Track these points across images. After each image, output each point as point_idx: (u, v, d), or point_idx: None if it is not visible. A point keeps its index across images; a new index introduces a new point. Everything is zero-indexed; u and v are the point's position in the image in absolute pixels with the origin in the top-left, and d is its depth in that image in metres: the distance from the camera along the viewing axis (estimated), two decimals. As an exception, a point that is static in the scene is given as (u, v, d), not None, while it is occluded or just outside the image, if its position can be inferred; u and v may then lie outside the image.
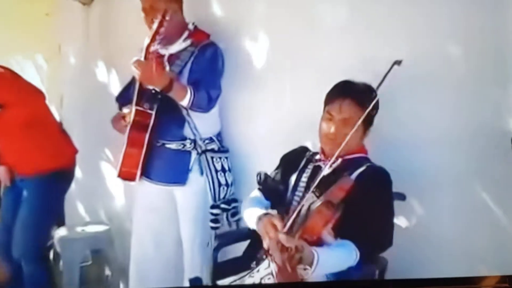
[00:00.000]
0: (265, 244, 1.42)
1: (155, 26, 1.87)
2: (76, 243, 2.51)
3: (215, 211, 1.98)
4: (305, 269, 1.32)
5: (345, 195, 1.41)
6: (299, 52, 2.01)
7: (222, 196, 2.01)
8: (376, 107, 1.57)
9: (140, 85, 1.96)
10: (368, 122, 1.58)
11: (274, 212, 1.51)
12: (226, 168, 2.06)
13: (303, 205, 1.42)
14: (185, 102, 1.91)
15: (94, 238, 2.57)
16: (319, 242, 1.38)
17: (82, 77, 2.89)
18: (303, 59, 1.98)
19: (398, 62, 1.53)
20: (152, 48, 1.90)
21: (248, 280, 1.45)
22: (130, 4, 2.43)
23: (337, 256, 1.40)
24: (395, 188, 1.62)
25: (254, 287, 1.45)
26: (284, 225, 1.42)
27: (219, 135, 2.12)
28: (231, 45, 2.14)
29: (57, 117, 2.76)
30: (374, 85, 1.59)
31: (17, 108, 2.18)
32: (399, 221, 1.74)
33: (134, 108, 1.96)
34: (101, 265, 2.65)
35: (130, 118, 1.97)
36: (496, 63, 1.55)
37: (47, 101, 2.42)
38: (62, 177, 2.36)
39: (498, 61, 1.55)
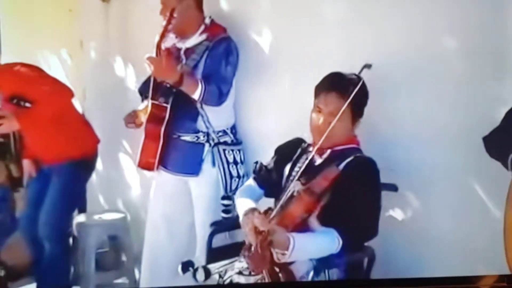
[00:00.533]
0: (247, 240, 1.49)
1: (163, 23, 1.96)
2: (93, 229, 2.65)
3: (226, 202, 2.06)
4: (282, 254, 1.38)
5: (329, 184, 1.47)
6: (312, 48, 2.05)
7: (233, 187, 2.09)
8: (363, 96, 1.63)
9: (155, 80, 2.05)
10: (356, 113, 1.63)
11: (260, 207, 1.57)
12: (239, 160, 2.14)
13: (289, 193, 1.49)
14: (196, 95, 1.99)
15: (111, 225, 2.70)
16: (302, 228, 1.44)
17: (102, 71, 3.00)
18: (316, 55, 2.02)
19: (368, 66, 1.61)
20: (163, 45, 1.99)
21: (237, 265, 1.54)
22: (147, 1, 2.54)
23: (316, 242, 1.46)
24: (390, 180, 1.68)
25: (250, 287, 1.52)
26: (268, 219, 1.47)
27: (233, 128, 2.19)
28: (247, 39, 2.21)
29: (80, 109, 2.90)
30: (374, 82, 1.66)
31: (46, 104, 2.32)
32: (395, 213, 1.79)
33: (150, 102, 2.06)
34: (118, 252, 2.78)
35: (147, 111, 2.07)
36: (494, 59, 1.58)
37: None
38: (85, 165, 2.51)
39: (496, 57, 1.57)
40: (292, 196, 1.49)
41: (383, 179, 1.75)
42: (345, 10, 1.95)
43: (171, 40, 2.10)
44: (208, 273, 1.54)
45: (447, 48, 1.66)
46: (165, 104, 2.06)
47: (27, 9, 3.64)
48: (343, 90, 1.60)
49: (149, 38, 2.20)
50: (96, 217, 2.74)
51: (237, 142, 2.18)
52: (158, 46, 2.00)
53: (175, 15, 1.97)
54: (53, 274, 2.48)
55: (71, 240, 2.66)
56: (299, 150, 1.74)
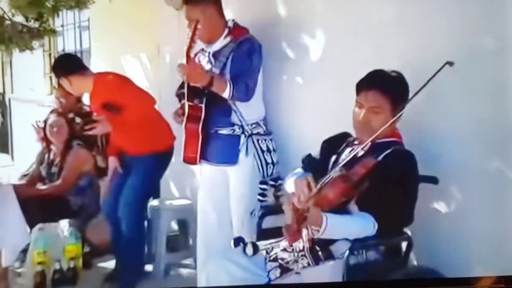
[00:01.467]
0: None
1: (189, 34, 2.14)
2: (165, 213, 2.95)
3: (263, 186, 2.25)
4: (316, 230, 1.52)
5: (365, 173, 1.59)
6: (344, 45, 2.19)
7: (269, 173, 2.28)
8: (403, 92, 1.72)
9: (188, 84, 2.24)
10: (396, 108, 1.72)
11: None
12: (271, 148, 2.33)
13: (328, 178, 1.63)
14: (226, 94, 2.18)
15: (179, 210, 2.99)
16: (339, 211, 1.58)
17: (175, 73, 3.31)
18: (348, 52, 2.15)
19: (450, 63, 1.68)
20: (192, 52, 2.16)
21: (282, 244, 1.71)
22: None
23: (350, 224, 1.58)
24: (432, 173, 1.76)
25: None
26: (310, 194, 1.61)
27: (264, 119, 2.37)
28: (279, 39, 2.40)
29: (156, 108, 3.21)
30: (418, 79, 1.75)
31: (133, 110, 2.62)
32: (437, 205, 1.86)
33: (186, 103, 2.27)
34: (186, 235, 3.06)
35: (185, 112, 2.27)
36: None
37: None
38: (164, 157, 2.79)
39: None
40: (330, 181, 1.63)
41: (425, 171, 1.85)
42: (395, 13, 2.05)
43: (199, 46, 2.29)
44: (256, 248, 1.73)
45: (487, 47, 1.72)
46: (200, 105, 2.25)
47: (112, 20, 4.07)
48: (384, 87, 1.72)
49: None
50: (167, 202, 3.04)
51: (268, 132, 2.36)
52: (187, 54, 2.17)
53: (199, 26, 2.15)
54: (129, 253, 2.76)
55: (146, 223, 2.98)
56: (344, 143, 1.87)
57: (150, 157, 2.74)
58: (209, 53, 2.35)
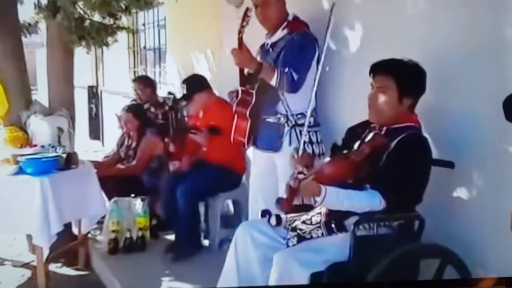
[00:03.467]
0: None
1: (240, 20, 2.29)
2: (219, 193, 3.22)
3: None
4: (315, 200, 1.70)
5: (370, 150, 1.73)
6: (391, 37, 2.27)
7: None
8: (411, 77, 1.84)
9: (241, 70, 2.42)
10: (402, 91, 1.84)
11: None
12: (314, 140, 2.43)
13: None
14: (273, 82, 2.32)
15: (234, 191, 3.21)
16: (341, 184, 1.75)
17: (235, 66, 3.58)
18: (395, 43, 2.23)
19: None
20: (243, 36, 2.27)
21: (303, 217, 1.92)
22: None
23: (352, 197, 1.72)
24: (450, 158, 1.85)
25: None
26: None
27: (313, 111, 2.43)
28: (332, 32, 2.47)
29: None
30: (440, 67, 1.83)
31: (227, 135, 2.75)
32: (455, 189, 1.93)
33: (239, 88, 2.46)
34: (239, 214, 3.34)
35: (238, 96, 2.47)
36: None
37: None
38: (230, 174, 3.08)
39: None
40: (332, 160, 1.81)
41: (444, 156, 1.94)
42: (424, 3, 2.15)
43: (261, 40, 2.46)
44: (279, 220, 1.95)
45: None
46: (251, 90, 2.43)
47: (183, 19, 4.44)
48: (391, 69, 1.85)
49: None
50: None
51: (314, 124, 2.45)
52: (239, 39, 2.29)
53: (249, 13, 2.30)
54: (187, 229, 3.06)
55: (203, 203, 3.29)
56: (367, 130, 2.00)
57: (220, 166, 3.03)
58: (267, 44, 2.52)
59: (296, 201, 1.73)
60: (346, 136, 2.06)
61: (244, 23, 2.30)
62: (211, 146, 3.08)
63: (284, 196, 1.74)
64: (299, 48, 2.39)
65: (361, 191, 1.76)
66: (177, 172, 3.23)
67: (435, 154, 1.96)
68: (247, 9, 2.37)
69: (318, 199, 1.70)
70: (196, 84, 3.20)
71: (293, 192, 1.72)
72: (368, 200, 1.74)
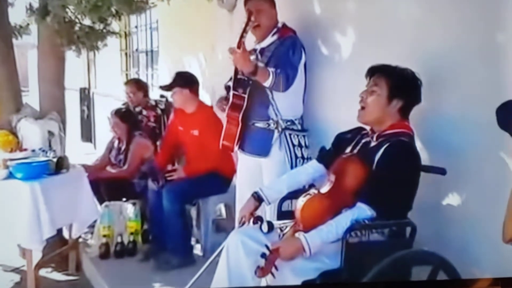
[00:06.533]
0: None
1: (243, 26, 2.27)
2: (211, 197, 3.22)
3: None
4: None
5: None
6: (380, 42, 2.28)
7: (299, 166, 2.41)
8: (402, 81, 1.85)
9: (236, 73, 2.43)
10: (392, 94, 1.86)
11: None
12: (303, 144, 2.47)
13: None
14: (267, 83, 2.32)
15: (224, 196, 3.22)
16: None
17: (227, 70, 3.58)
18: (383, 48, 2.25)
19: None
20: (244, 39, 2.24)
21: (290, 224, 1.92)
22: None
23: (336, 227, 1.72)
24: (442, 165, 1.86)
25: None
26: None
27: (301, 118, 2.52)
28: (319, 38, 2.53)
29: (209, 102, 3.51)
30: (435, 72, 1.86)
31: (212, 142, 2.80)
32: (446, 196, 1.94)
33: (231, 92, 2.47)
34: (231, 218, 3.32)
35: (229, 101, 2.47)
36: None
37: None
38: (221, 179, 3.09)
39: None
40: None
41: (435, 163, 1.95)
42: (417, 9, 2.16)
43: (250, 46, 2.45)
44: (271, 226, 1.95)
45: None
46: (243, 95, 2.44)
47: (175, 23, 4.43)
48: (383, 74, 1.88)
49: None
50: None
51: (303, 129, 2.50)
52: (239, 43, 2.24)
53: (252, 18, 2.30)
54: (178, 234, 3.04)
55: (195, 208, 3.28)
56: (359, 136, 2.01)
57: (209, 176, 3.03)
58: (256, 50, 2.54)
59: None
60: (336, 141, 2.07)
61: (248, 28, 2.29)
62: (193, 159, 3.10)
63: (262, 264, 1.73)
64: (289, 50, 2.43)
65: (344, 214, 1.76)
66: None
67: (427, 160, 1.98)
68: (251, 13, 2.37)
69: (305, 253, 1.71)
70: (182, 79, 3.17)
71: (272, 258, 1.72)
72: (342, 221, 1.74)
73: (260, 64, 2.38)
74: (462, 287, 1.71)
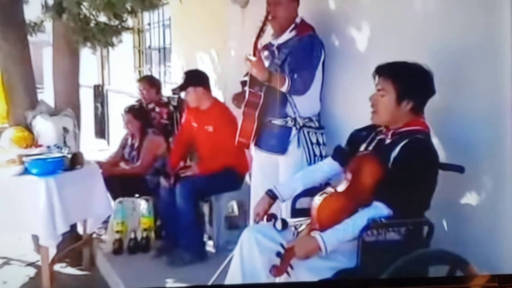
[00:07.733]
0: None
1: (260, 24, 2.26)
2: (224, 195, 3.22)
3: None
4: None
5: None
6: (397, 38, 2.25)
7: None
8: (412, 80, 1.81)
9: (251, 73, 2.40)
10: (401, 93, 1.82)
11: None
12: (321, 142, 2.45)
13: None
14: (284, 89, 2.33)
15: (238, 193, 3.22)
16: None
17: (240, 66, 3.56)
18: (400, 44, 2.21)
19: None
20: (259, 42, 2.27)
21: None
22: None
23: (353, 226, 1.71)
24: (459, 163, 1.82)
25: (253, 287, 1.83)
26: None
27: (318, 115, 2.49)
28: (336, 35, 2.49)
29: (222, 99, 3.50)
30: (447, 68, 1.82)
31: (226, 138, 2.86)
32: (465, 195, 1.91)
33: (248, 90, 2.46)
34: (243, 216, 3.32)
35: (245, 97, 2.47)
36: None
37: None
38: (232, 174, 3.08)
39: None
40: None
41: (452, 160, 1.91)
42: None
43: (266, 40, 2.45)
44: (285, 224, 1.94)
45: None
46: (259, 92, 2.43)
47: (188, 20, 4.43)
48: (391, 73, 1.84)
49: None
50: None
51: (320, 127, 2.48)
52: (255, 44, 2.30)
53: (269, 17, 2.28)
54: (190, 231, 3.04)
55: (207, 204, 3.28)
56: (373, 133, 1.98)
57: (221, 169, 3.03)
58: (274, 45, 2.51)
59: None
60: (350, 139, 2.05)
61: (265, 28, 2.28)
62: (207, 155, 3.08)
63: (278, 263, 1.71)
64: (307, 51, 2.39)
65: (360, 212, 1.74)
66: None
67: (444, 158, 1.95)
68: (268, 13, 2.35)
69: (321, 252, 1.69)
70: (194, 78, 3.15)
71: (287, 256, 1.70)
72: (359, 220, 1.72)
73: (275, 72, 2.36)
74: (459, 284, 1.69)
